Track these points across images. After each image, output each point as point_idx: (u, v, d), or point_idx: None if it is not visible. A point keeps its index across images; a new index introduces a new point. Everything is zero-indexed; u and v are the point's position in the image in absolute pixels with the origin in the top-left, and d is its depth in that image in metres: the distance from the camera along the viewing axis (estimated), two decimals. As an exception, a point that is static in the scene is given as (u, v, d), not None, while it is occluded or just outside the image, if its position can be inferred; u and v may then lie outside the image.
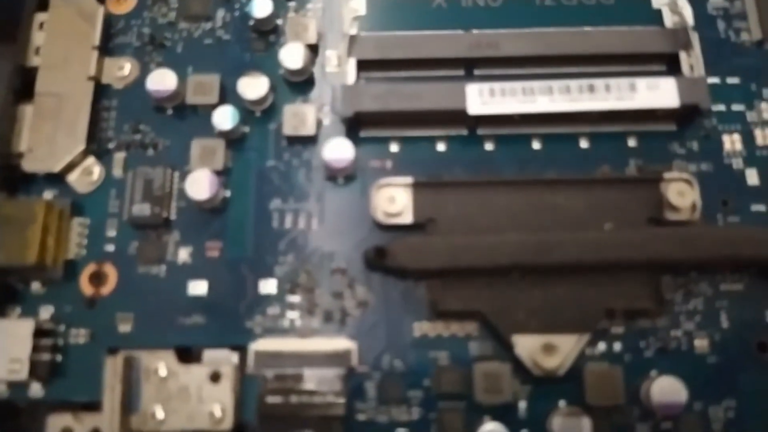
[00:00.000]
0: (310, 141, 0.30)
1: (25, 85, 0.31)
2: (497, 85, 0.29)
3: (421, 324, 0.28)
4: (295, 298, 0.28)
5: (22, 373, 0.26)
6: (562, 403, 0.27)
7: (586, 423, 0.25)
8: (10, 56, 0.31)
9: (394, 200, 0.28)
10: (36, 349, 0.27)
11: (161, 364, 0.27)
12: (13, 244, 0.27)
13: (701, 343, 0.27)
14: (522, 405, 0.27)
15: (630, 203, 0.28)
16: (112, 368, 0.26)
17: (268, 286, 0.28)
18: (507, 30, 0.30)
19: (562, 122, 0.30)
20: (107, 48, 0.32)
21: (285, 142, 0.30)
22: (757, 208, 0.29)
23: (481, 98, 0.29)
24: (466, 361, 0.27)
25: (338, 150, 0.29)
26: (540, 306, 0.27)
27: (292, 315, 0.28)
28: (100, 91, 0.31)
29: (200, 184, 0.28)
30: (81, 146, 0.29)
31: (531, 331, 0.27)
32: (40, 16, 0.31)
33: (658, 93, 0.29)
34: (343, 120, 0.30)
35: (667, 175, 0.28)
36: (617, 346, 0.27)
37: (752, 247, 0.27)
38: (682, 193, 0.28)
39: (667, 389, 0.26)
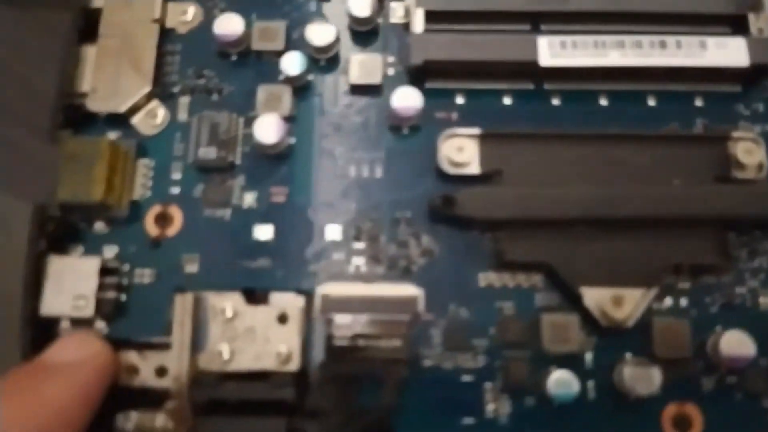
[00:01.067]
0: (376, 90, 0.30)
1: (88, 26, 0.30)
2: (569, 38, 0.29)
3: (487, 274, 0.28)
4: (359, 245, 0.28)
5: (88, 309, 0.26)
6: (628, 355, 0.27)
7: (656, 373, 0.26)
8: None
9: (463, 150, 0.28)
10: (101, 287, 0.27)
11: (228, 304, 0.26)
12: (79, 181, 0.27)
13: (765, 301, 0.27)
14: (588, 356, 0.27)
15: (697, 160, 0.28)
16: (182, 306, 0.26)
17: (333, 233, 0.28)
18: (575, -16, 0.30)
19: (630, 79, 0.29)
20: (171, -9, 0.31)
21: (349, 91, 0.30)
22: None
23: (552, 50, 0.29)
24: (531, 311, 0.27)
25: (407, 98, 0.29)
26: (607, 259, 0.27)
27: (357, 261, 0.28)
28: (164, 35, 0.31)
29: (268, 128, 0.28)
30: (147, 88, 0.29)
31: (598, 283, 0.27)
32: (103, -42, 0.31)
33: (728, 52, 0.29)
34: (408, 70, 0.30)
35: (735, 133, 0.28)
36: (683, 302, 0.27)
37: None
38: (750, 151, 0.28)
39: (735, 343, 0.26)
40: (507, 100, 0.30)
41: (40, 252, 0.27)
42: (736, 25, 0.30)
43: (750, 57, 0.29)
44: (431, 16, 0.30)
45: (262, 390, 0.26)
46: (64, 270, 0.27)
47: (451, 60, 0.29)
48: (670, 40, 0.29)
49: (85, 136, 0.29)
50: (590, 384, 0.27)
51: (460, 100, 0.30)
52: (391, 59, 0.30)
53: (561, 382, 0.26)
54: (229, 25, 0.30)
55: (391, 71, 0.30)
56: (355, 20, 0.30)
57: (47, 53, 0.29)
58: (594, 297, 0.26)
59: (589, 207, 0.27)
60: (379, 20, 0.31)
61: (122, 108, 0.29)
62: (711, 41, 0.29)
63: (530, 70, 0.29)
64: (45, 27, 0.29)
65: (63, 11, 0.30)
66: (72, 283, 0.27)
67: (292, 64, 0.29)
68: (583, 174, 0.28)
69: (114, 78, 0.29)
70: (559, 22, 0.30)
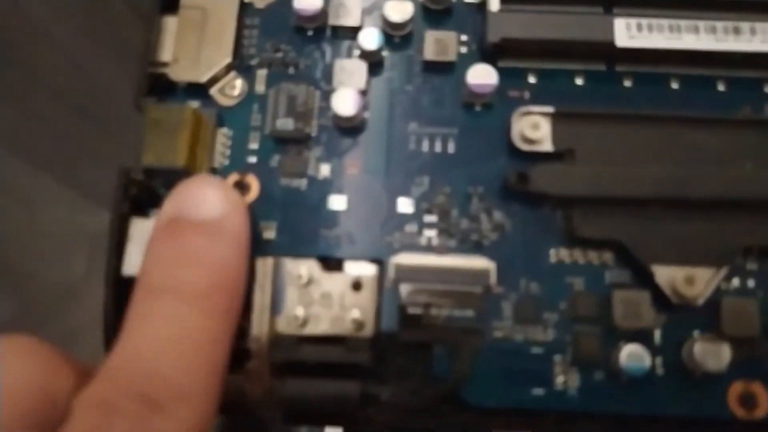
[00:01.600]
0: (449, 67, 0.30)
1: (168, -1, 0.31)
2: (644, 21, 0.29)
3: (558, 250, 0.28)
4: (431, 218, 0.29)
5: (169, 271, 0.27)
6: (696, 332, 0.27)
7: (726, 349, 0.26)
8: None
9: (539, 127, 0.28)
10: (181, 250, 0.28)
11: (305, 270, 0.27)
12: (163, 148, 0.28)
13: (833, 285, 0.28)
14: (657, 332, 0.27)
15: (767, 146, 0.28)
16: (263, 270, 0.27)
17: (406, 205, 0.29)
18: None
19: (701, 63, 0.30)
20: (249, -33, 0.32)
21: (423, 68, 0.30)
22: None
23: (629, 32, 0.29)
24: (601, 287, 0.28)
25: (482, 75, 0.29)
26: (679, 238, 0.27)
27: (429, 233, 0.28)
28: (242, 9, 0.31)
29: (346, 101, 0.29)
30: (227, 59, 0.30)
31: (670, 262, 0.27)
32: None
33: (801, 39, 0.29)
34: (483, 48, 0.30)
35: (806, 120, 0.29)
36: (750, 283, 0.28)
37: None
38: (822, 137, 0.28)
39: (804, 325, 0.26)
40: (579, 81, 0.30)
41: (123, 214, 0.28)
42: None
43: (824, 44, 0.29)
44: (505, -4, 0.30)
45: (338, 354, 0.26)
46: (147, 232, 0.28)
47: (528, 39, 0.29)
48: (744, 25, 0.29)
49: (167, 103, 0.30)
50: (658, 360, 0.27)
51: (532, 79, 0.30)
52: (464, 37, 0.31)
53: (633, 355, 0.26)
54: (308, 0, 0.30)
55: (463, 49, 0.31)
56: (430, -1, 0.31)
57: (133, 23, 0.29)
58: (666, 275, 0.27)
59: (661, 187, 0.28)
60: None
61: (203, 78, 0.30)
62: (785, 28, 0.29)
63: (605, 50, 0.29)
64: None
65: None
66: (154, 246, 0.27)
67: (370, 39, 0.30)
68: (655, 155, 0.28)
69: (195, 49, 0.30)
70: (630, 5, 0.30)
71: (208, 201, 0.25)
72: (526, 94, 0.30)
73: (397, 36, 0.31)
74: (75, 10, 0.60)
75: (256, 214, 0.28)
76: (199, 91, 0.30)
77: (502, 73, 0.30)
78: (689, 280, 0.27)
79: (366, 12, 0.31)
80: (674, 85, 0.30)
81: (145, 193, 0.28)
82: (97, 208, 1.05)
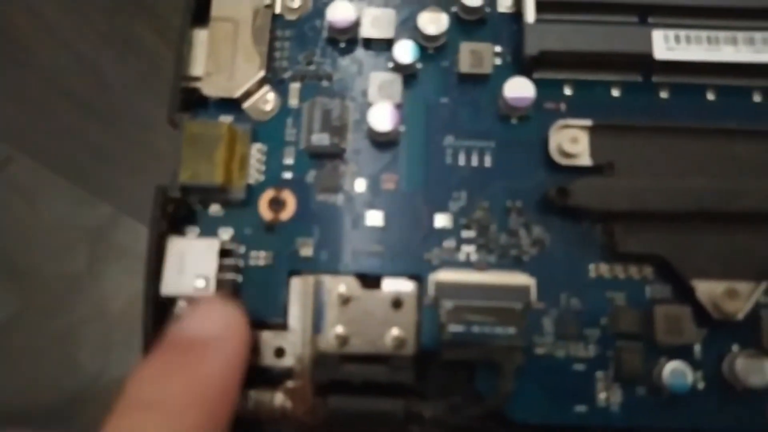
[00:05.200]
0: (484, 79, 0.30)
1: (199, 9, 0.31)
2: (682, 32, 0.29)
3: (598, 265, 0.28)
4: (470, 234, 0.28)
5: (209, 290, 0.27)
6: (735, 347, 0.27)
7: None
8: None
9: (577, 140, 0.28)
10: (220, 268, 0.27)
11: (345, 288, 0.27)
12: (200, 164, 0.28)
13: None
14: (697, 347, 0.27)
15: (807, 157, 0.28)
16: (303, 288, 0.27)
17: (444, 220, 0.29)
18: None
19: (738, 74, 0.30)
20: (280, -22, 0.32)
21: (458, 80, 0.30)
22: None
23: (668, 44, 0.29)
24: (642, 302, 0.27)
25: (520, 88, 0.29)
26: (719, 252, 0.27)
27: (468, 249, 0.28)
28: (273, 20, 0.31)
29: (383, 116, 0.28)
30: (261, 73, 0.30)
31: (711, 276, 0.27)
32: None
33: (839, 49, 0.29)
34: (520, 60, 0.30)
35: None
36: (789, 296, 0.28)
37: None
38: None
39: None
40: (615, 92, 0.30)
41: (161, 232, 0.27)
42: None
43: None
44: (541, 6, 0.30)
45: (381, 372, 0.26)
46: (185, 251, 0.27)
47: (567, 51, 0.29)
48: (783, 36, 0.29)
49: (201, 119, 0.29)
50: (699, 375, 0.27)
51: (568, 91, 0.30)
52: (498, 49, 0.31)
53: (677, 372, 0.26)
54: (342, 12, 0.30)
55: (498, 61, 0.30)
56: (464, 9, 0.30)
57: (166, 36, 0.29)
58: (706, 290, 0.27)
59: (702, 200, 0.27)
60: (487, 9, 0.31)
61: (237, 93, 0.29)
62: (823, 38, 0.29)
63: (643, 62, 0.29)
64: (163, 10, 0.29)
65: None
66: (192, 264, 0.27)
67: (405, 52, 0.29)
68: (694, 167, 0.28)
69: (227, 63, 0.30)
70: (667, 16, 0.30)
71: (208, 321, 0.25)
72: (563, 106, 0.30)
73: (431, 47, 0.31)
74: (81, 7, 0.60)
75: (292, 232, 0.28)
76: (232, 105, 0.30)
77: (538, 84, 0.29)
78: (730, 295, 0.27)
79: (400, 24, 0.31)
80: (711, 96, 0.30)
81: (180, 211, 0.28)
82: (99, 203, 1.04)
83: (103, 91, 0.67)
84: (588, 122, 0.29)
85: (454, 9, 0.31)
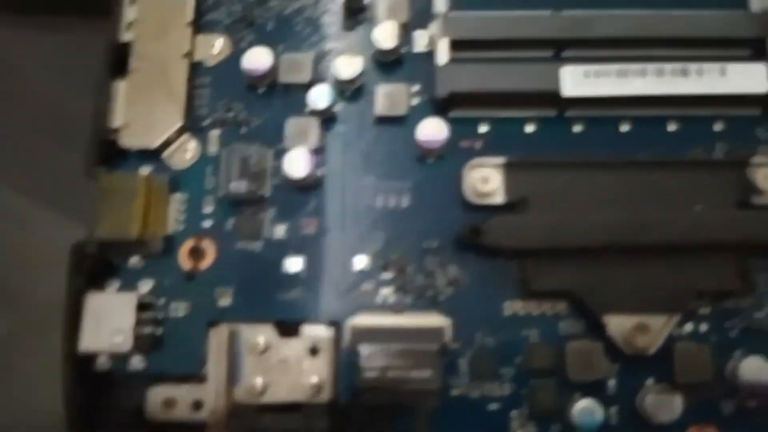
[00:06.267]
0: (401, 121, 0.30)
1: (117, 61, 0.31)
2: (591, 67, 0.29)
3: (513, 303, 0.28)
4: (387, 275, 0.29)
5: (126, 345, 0.27)
6: (649, 381, 0.27)
7: (678, 400, 0.26)
8: (103, 31, 0.31)
9: (488, 180, 0.28)
10: (138, 321, 0.28)
11: (262, 337, 0.27)
12: (116, 218, 0.28)
13: (786, 326, 0.28)
14: (611, 383, 0.27)
15: (718, 186, 0.29)
16: (218, 340, 0.27)
17: (362, 262, 0.29)
18: (597, 11, 0.30)
19: (651, 105, 0.30)
20: (198, 24, 0.32)
21: (375, 122, 0.31)
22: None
23: (575, 80, 0.29)
24: (556, 339, 0.28)
25: (432, 130, 0.29)
26: (632, 286, 0.28)
27: (385, 291, 0.29)
28: (192, 67, 0.31)
29: (297, 163, 0.29)
30: (178, 123, 0.30)
31: (623, 311, 0.27)
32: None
33: (748, 78, 0.29)
34: (434, 100, 0.30)
35: (755, 159, 0.29)
36: (703, 327, 0.28)
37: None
38: (769, 177, 0.28)
39: (755, 370, 0.27)
40: (530, 128, 0.30)
41: (78, 289, 0.28)
42: (757, 49, 0.31)
43: (770, 83, 0.29)
44: (456, 45, 0.30)
45: (296, 421, 0.27)
46: (102, 306, 0.28)
47: (476, 91, 0.29)
48: (692, 67, 0.29)
49: (118, 172, 0.30)
50: (613, 410, 0.27)
51: (483, 128, 0.30)
52: (415, 88, 0.31)
53: (585, 411, 0.26)
54: (258, 59, 0.30)
55: (415, 101, 0.31)
56: (380, 51, 0.31)
57: (82, 88, 0.29)
58: (618, 325, 0.27)
59: (614, 234, 0.28)
60: (403, 50, 0.31)
61: (155, 144, 0.30)
62: (731, 68, 0.29)
63: (553, 99, 0.29)
64: (78, 62, 0.30)
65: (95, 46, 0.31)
66: (110, 319, 0.27)
67: (321, 97, 0.30)
68: (606, 201, 0.28)
69: (146, 113, 0.30)
70: (582, 48, 0.30)
71: None
72: (478, 144, 0.30)
73: (348, 90, 0.31)
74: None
75: (211, 281, 0.28)
76: (152, 155, 0.30)
77: (454, 122, 0.30)
78: (641, 329, 0.27)
79: (317, 68, 0.31)
80: (624, 128, 0.30)
81: (98, 265, 0.28)
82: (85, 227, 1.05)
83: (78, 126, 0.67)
84: (501, 160, 0.29)
85: (371, 51, 0.31)
